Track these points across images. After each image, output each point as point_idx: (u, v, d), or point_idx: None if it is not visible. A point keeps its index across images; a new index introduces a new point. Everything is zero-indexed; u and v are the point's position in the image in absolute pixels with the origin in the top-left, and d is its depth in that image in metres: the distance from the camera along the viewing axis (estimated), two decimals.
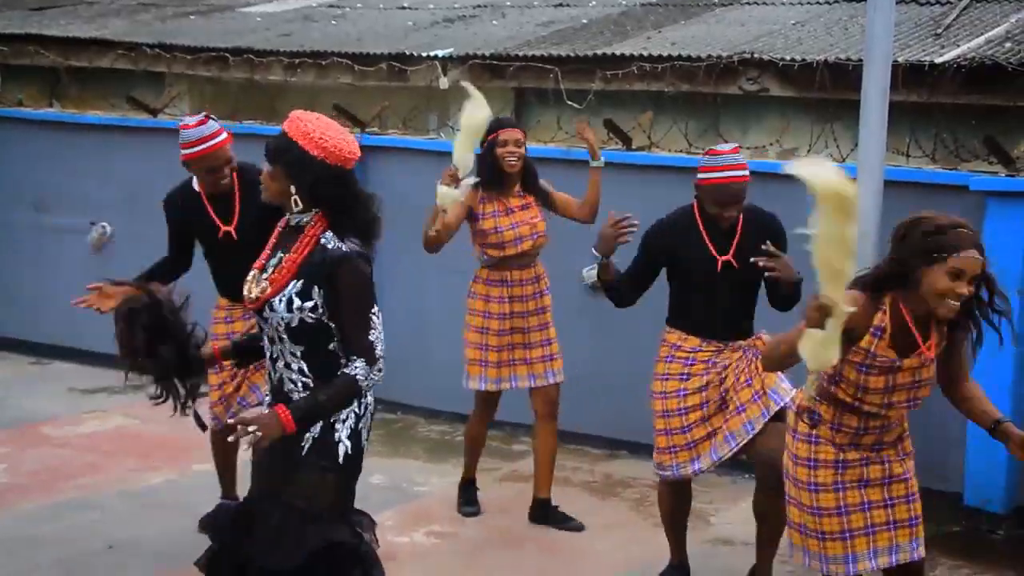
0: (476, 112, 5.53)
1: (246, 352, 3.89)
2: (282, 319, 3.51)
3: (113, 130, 8.99)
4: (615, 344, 7.04)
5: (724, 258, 4.90)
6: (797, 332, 3.60)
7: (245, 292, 3.62)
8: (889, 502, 3.92)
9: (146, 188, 8.56)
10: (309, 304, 3.51)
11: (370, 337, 3.52)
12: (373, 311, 3.55)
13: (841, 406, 3.83)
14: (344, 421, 3.59)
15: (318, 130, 3.58)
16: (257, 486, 3.68)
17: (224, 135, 5.25)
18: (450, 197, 5.47)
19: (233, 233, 5.26)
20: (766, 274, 4.77)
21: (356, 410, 3.62)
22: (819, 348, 3.51)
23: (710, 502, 6.21)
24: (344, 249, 3.54)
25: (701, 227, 4.94)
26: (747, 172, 4.92)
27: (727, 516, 6.02)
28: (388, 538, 5.64)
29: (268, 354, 3.64)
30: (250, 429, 3.33)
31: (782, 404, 4.78)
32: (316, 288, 3.51)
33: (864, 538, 3.88)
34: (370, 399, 3.67)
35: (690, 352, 4.98)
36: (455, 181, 5.48)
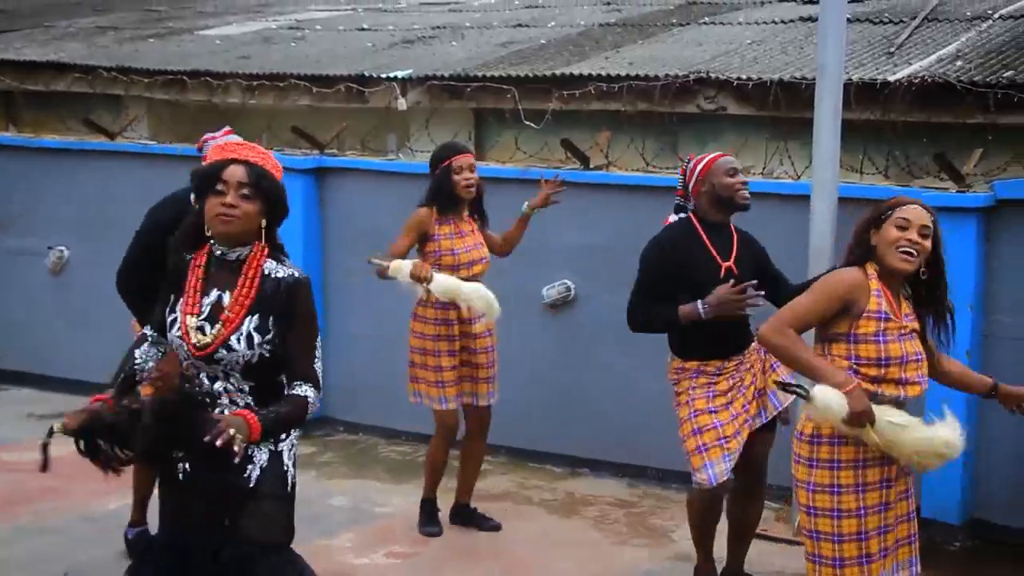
0: (477, 300, 5.64)
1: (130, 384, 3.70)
2: (242, 357, 3.39)
3: (71, 153, 8.95)
4: (576, 363, 7.07)
5: (727, 264, 4.91)
6: (837, 384, 3.75)
7: (191, 340, 3.41)
8: (898, 521, 3.95)
9: (104, 212, 8.54)
10: (268, 337, 3.42)
11: (317, 366, 3.48)
12: (318, 340, 3.51)
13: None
14: (289, 450, 3.53)
15: (270, 155, 3.57)
16: (189, 522, 3.48)
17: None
18: (397, 270, 5.58)
19: None
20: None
21: (294, 438, 3.57)
22: (825, 414, 3.75)
23: (671, 518, 6.24)
24: (294, 274, 3.48)
25: (704, 236, 4.94)
26: None
27: (687, 533, 6.02)
28: (349, 560, 5.64)
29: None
30: (232, 432, 3.18)
31: (780, 409, 4.88)
32: (271, 319, 3.43)
33: (880, 562, 3.88)
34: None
35: (715, 371, 4.91)
36: (421, 273, 5.57)
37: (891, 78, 6.73)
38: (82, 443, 3.42)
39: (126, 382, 3.62)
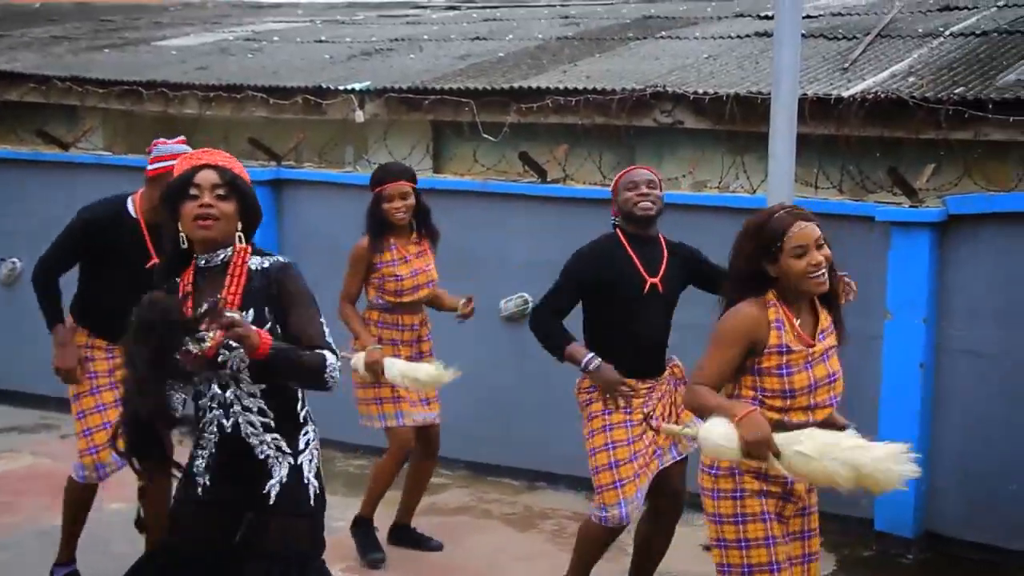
0: (426, 379, 5.55)
1: None
2: (245, 354, 3.33)
3: (24, 164, 8.86)
4: (533, 376, 7.07)
5: (652, 280, 4.84)
6: (730, 416, 3.55)
7: (193, 350, 3.34)
8: (806, 557, 3.86)
9: (58, 223, 8.42)
10: (266, 328, 3.38)
11: (327, 335, 3.46)
12: (322, 317, 3.50)
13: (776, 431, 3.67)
14: (310, 461, 3.53)
15: (235, 159, 3.60)
16: (204, 540, 3.47)
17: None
18: (356, 363, 5.61)
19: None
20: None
21: (316, 447, 3.57)
22: (716, 449, 3.56)
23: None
24: (279, 259, 3.51)
25: (629, 250, 4.86)
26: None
27: None
28: None
29: (217, 403, 3.46)
30: (237, 329, 3.16)
31: (693, 448, 4.76)
32: (266, 310, 3.43)
33: (788, 571, 3.78)
34: (317, 433, 3.62)
35: (629, 391, 4.83)
36: (375, 364, 5.57)
37: (845, 93, 6.79)
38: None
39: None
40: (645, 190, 4.86)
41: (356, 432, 7.38)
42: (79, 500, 5.28)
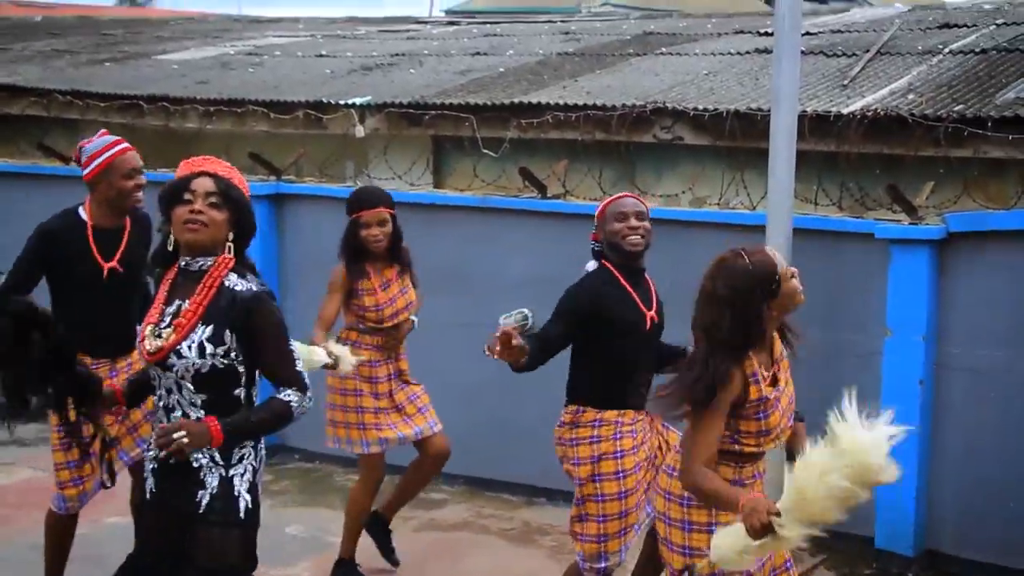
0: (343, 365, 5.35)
1: (139, 390, 3.85)
2: (192, 365, 3.44)
3: (24, 177, 8.87)
4: (531, 391, 7.05)
5: (650, 314, 4.65)
6: (733, 508, 3.42)
7: (144, 346, 3.51)
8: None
9: None
10: (222, 349, 3.46)
11: (297, 367, 3.53)
12: (291, 344, 3.57)
13: (742, 459, 3.70)
14: (242, 475, 3.54)
15: (235, 170, 3.66)
16: (154, 545, 3.58)
17: (126, 143, 5.01)
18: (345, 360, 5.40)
19: (119, 268, 4.92)
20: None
21: (253, 463, 3.58)
22: (735, 554, 3.36)
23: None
24: (253, 288, 3.53)
25: (625, 284, 4.66)
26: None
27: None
28: None
29: (162, 404, 3.55)
30: (176, 436, 3.29)
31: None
32: (228, 332, 3.47)
33: None
34: (263, 451, 3.62)
35: (631, 425, 4.61)
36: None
37: (845, 110, 6.81)
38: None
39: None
40: (634, 223, 4.60)
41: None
42: (64, 530, 5.20)
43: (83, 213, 5.03)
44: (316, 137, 8.72)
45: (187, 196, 3.49)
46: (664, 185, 7.60)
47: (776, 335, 3.74)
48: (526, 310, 7.10)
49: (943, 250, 6.08)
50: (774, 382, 3.68)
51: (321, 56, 11.00)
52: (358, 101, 8.50)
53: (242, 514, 3.52)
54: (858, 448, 3.19)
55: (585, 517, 4.63)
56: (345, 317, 5.71)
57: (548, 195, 7.36)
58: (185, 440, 3.30)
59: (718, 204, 7.24)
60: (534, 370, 4.58)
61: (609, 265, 4.67)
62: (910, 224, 6.13)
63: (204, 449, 3.45)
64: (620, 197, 4.75)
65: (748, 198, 7.07)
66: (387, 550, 5.88)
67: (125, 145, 5.02)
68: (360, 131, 8.37)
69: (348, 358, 5.34)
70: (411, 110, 8.23)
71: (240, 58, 11.20)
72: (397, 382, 5.72)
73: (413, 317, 5.75)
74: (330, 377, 5.60)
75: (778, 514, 3.28)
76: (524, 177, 7.36)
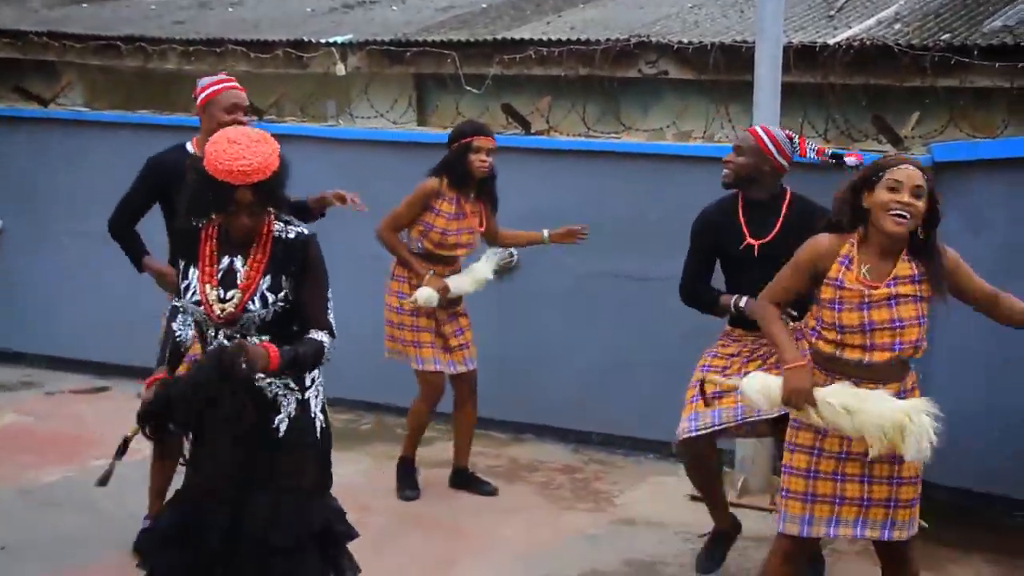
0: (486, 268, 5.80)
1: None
2: (259, 316, 3.54)
3: (1, 121, 8.76)
4: (520, 329, 7.05)
5: (752, 241, 4.78)
6: (781, 360, 3.88)
7: (214, 310, 3.53)
8: (866, 479, 3.88)
9: (37, 182, 8.38)
10: (281, 295, 3.57)
11: (330, 316, 3.63)
12: (329, 291, 3.65)
13: (830, 364, 3.84)
14: (316, 397, 3.67)
15: (268, 152, 3.52)
16: (219, 478, 3.57)
17: (239, 85, 5.11)
18: (427, 300, 5.68)
19: None
20: None
21: (321, 383, 3.71)
22: (759, 398, 3.91)
23: (615, 483, 6.26)
24: (303, 232, 3.62)
25: (740, 211, 4.84)
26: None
27: (631, 497, 6.07)
28: None
29: None
30: (241, 360, 3.34)
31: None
32: (284, 278, 3.57)
33: (828, 505, 3.89)
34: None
35: (734, 336, 4.88)
36: (443, 293, 5.71)
37: (830, 41, 6.75)
38: (146, 427, 3.59)
39: (175, 355, 3.79)
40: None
41: (340, 387, 7.36)
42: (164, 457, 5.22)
43: (191, 146, 5.14)
44: (297, 76, 8.63)
45: (231, 208, 3.49)
46: (649, 120, 7.54)
47: (908, 258, 3.82)
48: (511, 248, 7.08)
49: None
50: (872, 285, 3.78)
51: None
52: (339, 39, 8.41)
53: (319, 435, 3.65)
54: (920, 421, 3.71)
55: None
56: (408, 235, 5.86)
57: (532, 131, 7.29)
58: (244, 364, 3.35)
59: (703, 138, 7.19)
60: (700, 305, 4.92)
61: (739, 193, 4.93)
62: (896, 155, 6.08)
63: (278, 379, 3.56)
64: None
65: (733, 131, 7.02)
66: (477, 488, 6.08)
67: (232, 83, 5.11)
68: (341, 69, 8.29)
69: (431, 298, 5.67)
70: (393, 47, 8.14)
71: None
72: (446, 313, 5.84)
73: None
74: (395, 297, 5.83)
75: (814, 404, 3.73)
76: (507, 114, 7.29)
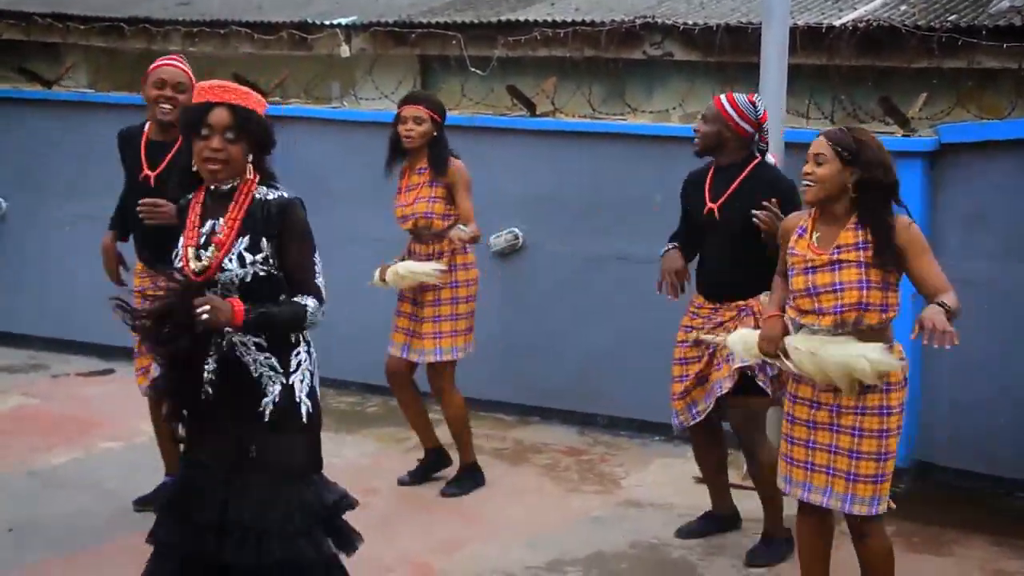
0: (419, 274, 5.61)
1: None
2: (236, 276, 3.54)
3: (6, 102, 8.74)
4: (525, 311, 7.05)
5: (712, 206, 4.93)
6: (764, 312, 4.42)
7: (190, 267, 3.58)
8: (833, 448, 4.05)
9: (41, 163, 8.37)
10: (260, 256, 3.57)
11: (318, 280, 3.63)
12: (316, 255, 3.65)
13: (798, 330, 4.11)
14: (302, 381, 3.65)
15: (251, 92, 3.67)
16: (211, 456, 3.62)
17: (182, 64, 5.20)
18: (373, 281, 5.71)
19: (151, 180, 5.07)
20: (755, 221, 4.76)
21: (309, 367, 3.69)
22: (742, 348, 4.41)
23: (620, 465, 6.27)
24: (284, 195, 3.63)
25: (709, 177, 5.00)
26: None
27: (636, 479, 6.08)
28: None
29: None
30: (200, 310, 3.39)
31: (742, 364, 4.73)
32: (264, 240, 3.57)
33: (802, 470, 4.12)
34: (315, 355, 3.74)
35: (696, 308, 5.06)
36: (381, 274, 5.70)
37: (836, 22, 6.72)
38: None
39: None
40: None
41: (348, 369, 7.39)
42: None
43: (147, 124, 5.25)
44: (301, 58, 8.61)
45: (204, 131, 3.55)
46: (654, 102, 7.52)
47: (856, 226, 3.97)
48: (516, 230, 7.08)
49: (936, 162, 6.03)
50: (818, 252, 4.00)
51: None
52: (343, 21, 8.38)
53: (304, 419, 3.64)
54: (879, 358, 3.91)
55: None
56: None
57: (537, 113, 7.28)
58: (206, 314, 3.39)
59: None
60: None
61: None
62: (903, 136, 6.07)
63: (262, 357, 3.58)
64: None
65: None
66: (419, 474, 5.97)
67: (167, 62, 5.20)
68: (346, 51, 8.26)
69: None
70: (397, 29, 8.12)
71: None
72: (427, 295, 5.69)
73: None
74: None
75: (785, 352, 4.07)
76: (513, 95, 7.27)
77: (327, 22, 8.39)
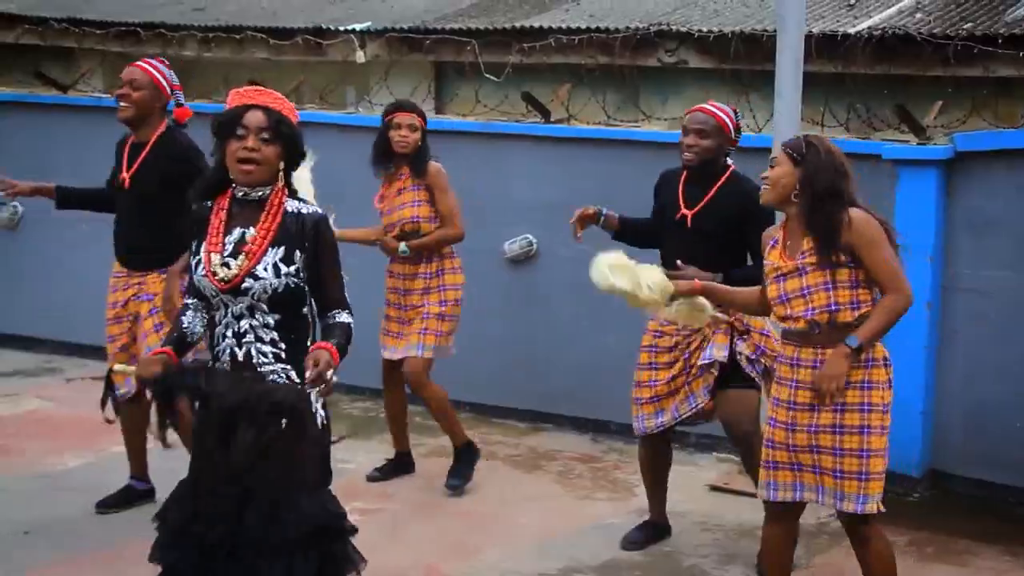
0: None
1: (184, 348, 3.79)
2: (269, 286, 3.53)
3: (21, 107, 8.78)
4: (538, 317, 7.05)
5: (686, 212, 4.98)
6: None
7: (218, 274, 3.54)
8: (815, 448, 4.06)
9: (56, 167, 8.39)
10: (294, 268, 3.57)
11: (345, 292, 3.67)
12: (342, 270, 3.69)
13: (786, 336, 4.18)
14: (318, 391, 3.61)
15: (286, 99, 3.68)
16: (218, 465, 3.55)
17: (150, 64, 5.31)
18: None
19: (127, 181, 5.21)
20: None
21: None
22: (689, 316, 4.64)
23: (634, 472, 6.23)
24: (317, 211, 3.65)
25: (682, 182, 5.05)
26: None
27: None
28: None
29: (231, 331, 3.58)
30: (328, 374, 3.37)
31: (710, 360, 4.87)
32: (298, 252, 3.57)
33: (788, 471, 4.13)
34: None
35: (654, 330, 5.11)
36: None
37: (852, 30, 6.72)
38: (160, 393, 3.56)
39: (180, 343, 3.69)
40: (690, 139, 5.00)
41: (361, 375, 7.38)
42: (130, 417, 5.46)
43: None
44: (316, 64, 8.63)
45: (240, 132, 3.54)
46: (669, 108, 7.52)
47: (810, 235, 4.03)
48: (530, 236, 7.08)
49: (951, 170, 6.01)
50: (787, 260, 4.08)
51: None
52: (358, 27, 8.40)
53: (319, 427, 3.63)
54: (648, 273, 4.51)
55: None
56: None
57: (551, 120, 7.28)
58: (334, 376, 3.40)
59: None
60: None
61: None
62: (918, 144, 6.05)
63: (279, 368, 3.58)
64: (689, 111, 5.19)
65: (754, 121, 6.98)
66: (387, 470, 6.11)
67: (137, 64, 5.33)
68: (361, 57, 8.29)
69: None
70: (412, 35, 8.14)
71: None
72: (415, 298, 5.86)
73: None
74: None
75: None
76: (527, 102, 7.28)
77: (342, 28, 8.41)
